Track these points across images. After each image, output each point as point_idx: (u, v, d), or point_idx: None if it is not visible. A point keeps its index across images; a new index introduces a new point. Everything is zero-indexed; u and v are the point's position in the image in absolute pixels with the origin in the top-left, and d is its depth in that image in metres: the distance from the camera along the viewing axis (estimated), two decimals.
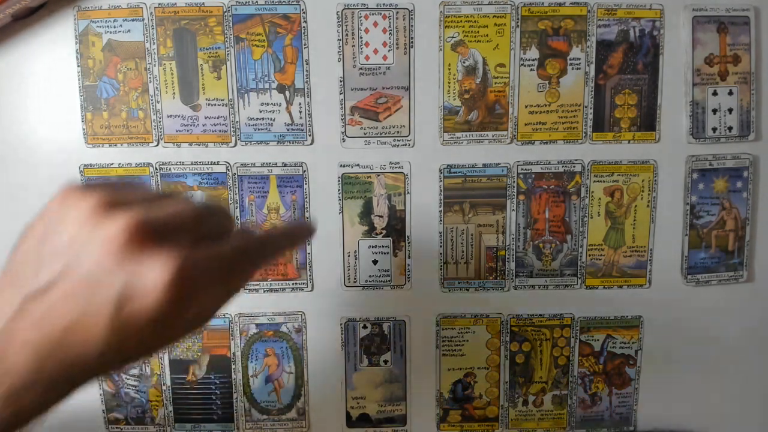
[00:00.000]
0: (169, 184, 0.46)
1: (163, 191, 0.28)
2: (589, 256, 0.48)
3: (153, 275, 0.25)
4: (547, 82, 0.46)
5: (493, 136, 0.47)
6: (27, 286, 0.26)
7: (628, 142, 0.47)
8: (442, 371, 0.49)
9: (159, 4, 0.45)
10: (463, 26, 0.46)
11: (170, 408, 0.49)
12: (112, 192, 0.27)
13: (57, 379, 0.26)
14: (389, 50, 0.46)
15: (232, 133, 0.46)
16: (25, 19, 0.44)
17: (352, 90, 0.46)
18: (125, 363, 0.27)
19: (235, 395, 0.49)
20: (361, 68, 0.46)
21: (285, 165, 0.46)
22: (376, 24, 0.45)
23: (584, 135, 0.47)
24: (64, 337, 0.26)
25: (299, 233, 0.34)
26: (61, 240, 0.26)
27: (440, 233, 0.48)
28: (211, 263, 0.28)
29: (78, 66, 0.45)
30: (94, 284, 0.25)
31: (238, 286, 0.29)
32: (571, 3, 0.46)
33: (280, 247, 0.33)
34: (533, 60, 0.46)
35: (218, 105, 0.46)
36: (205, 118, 0.46)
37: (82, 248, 0.26)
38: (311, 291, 0.48)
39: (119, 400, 0.49)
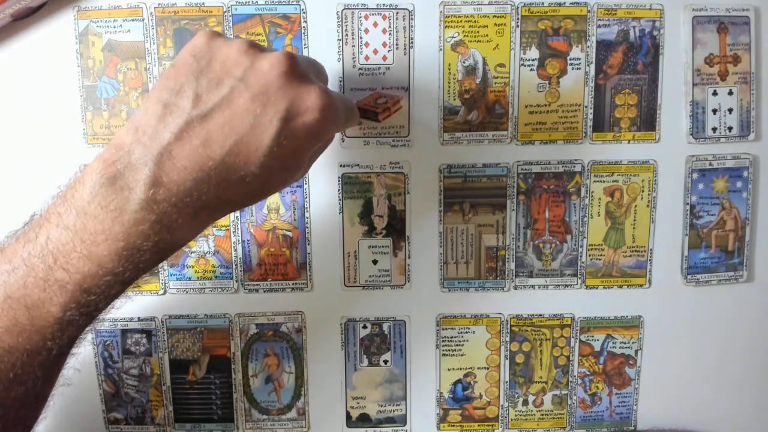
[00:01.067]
0: None
1: None
2: (589, 256, 0.48)
3: (314, 97, 0.30)
4: (547, 82, 0.46)
5: (493, 136, 0.47)
6: (186, 114, 0.29)
7: (628, 142, 0.47)
8: (442, 371, 0.49)
9: (159, 4, 0.45)
10: (463, 26, 0.46)
11: (170, 408, 0.49)
12: (249, 40, 0.31)
13: (206, 205, 0.29)
14: (389, 50, 0.46)
15: None
16: (25, 19, 0.44)
17: (351, 90, 0.46)
18: (271, 185, 0.32)
19: (235, 395, 0.49)
20: (360, 68, 0.46)
21: None
22: (376, 24, 0.45)
23: (584, 135, 0.47)
24: (227, 158, 0.29)
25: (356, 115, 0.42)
26: (223, 70, 0.30)
27: (440, 233, 0.48)
28: (342, 103, 0.34)
29: (78, 66, 0.45)
30: (264, 102, 0.29)
31: (333, 134, 0.37)
32: (571, 3, 0.46)
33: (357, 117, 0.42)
34: (533, 60, 0.46)
35: None
36: None
37: (247, 74, 0.29)
38: (311, 291, 0.48)
39: (119, 400, 0.49)
